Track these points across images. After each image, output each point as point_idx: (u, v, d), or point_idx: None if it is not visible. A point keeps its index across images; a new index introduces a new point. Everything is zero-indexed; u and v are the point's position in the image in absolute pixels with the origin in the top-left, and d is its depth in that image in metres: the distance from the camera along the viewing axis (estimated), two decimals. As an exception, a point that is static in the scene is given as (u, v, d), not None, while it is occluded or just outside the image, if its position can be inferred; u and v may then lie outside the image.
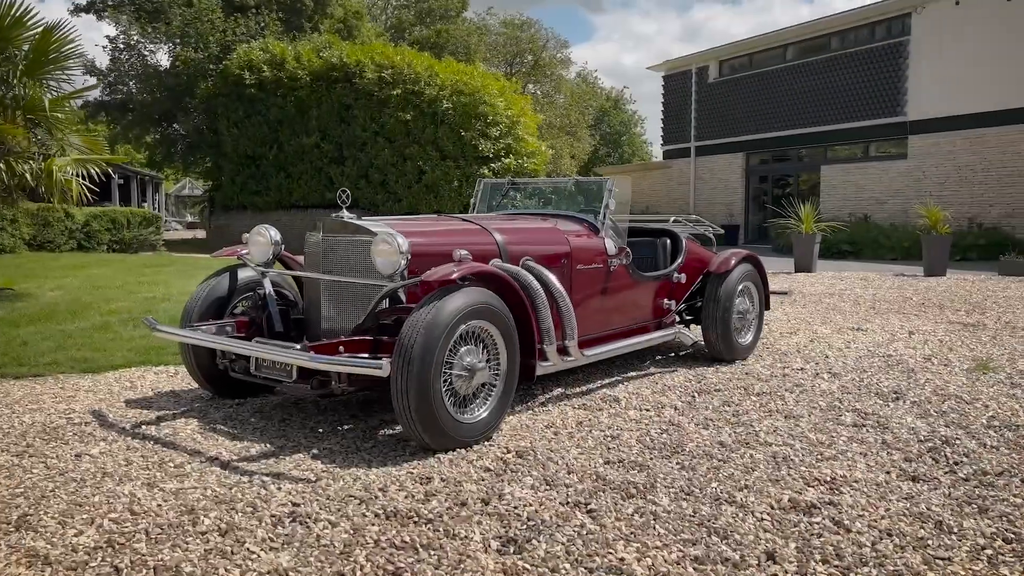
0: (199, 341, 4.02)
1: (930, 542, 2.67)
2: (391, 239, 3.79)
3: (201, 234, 32.89)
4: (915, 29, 19.45)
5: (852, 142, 21.50)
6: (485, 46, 43.15)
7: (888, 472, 3.37)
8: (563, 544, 2.63)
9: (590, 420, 4.18)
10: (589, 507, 2.95)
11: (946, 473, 3.35)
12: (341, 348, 3.68)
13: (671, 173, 27.67)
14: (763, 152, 24.55)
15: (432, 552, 2.56)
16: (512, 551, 2.58)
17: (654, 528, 2.76)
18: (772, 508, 2.95)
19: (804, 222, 13.98)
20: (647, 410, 4.40)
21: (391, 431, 3.99)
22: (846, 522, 2.81)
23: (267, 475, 3.31)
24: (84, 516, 2.86)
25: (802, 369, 5.50)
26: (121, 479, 3.26)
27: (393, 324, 3.87)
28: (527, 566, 2.48)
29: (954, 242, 16.97)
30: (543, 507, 2.95)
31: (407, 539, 2.64)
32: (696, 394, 4.79)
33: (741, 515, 2.88)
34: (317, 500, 3.01)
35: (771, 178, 24.70)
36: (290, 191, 22.00)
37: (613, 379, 5.18)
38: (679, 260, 5.70)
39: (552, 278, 4.29)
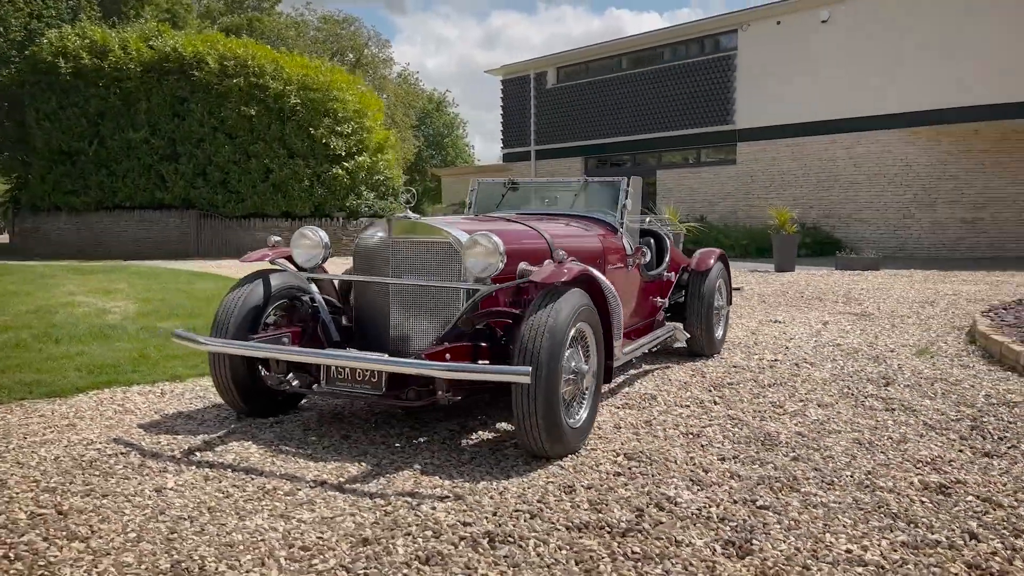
0: (274, 354, 3.66)
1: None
2: (487, 239, 3.63)
3: (3, 238, 29.39)
4: (741, 44, 21.11)
5: (686, 148, 22.98)
6: (305, 41, 41.88)
7: (961, 451, 3.66)
8: (782, 539, 2.65)
9: (650, 419, 4.21)
10: (759, 503, 2.98)
11: (1011, 447, 3.70)
12: (448, 355, 3.49)
13: (510, 176, 28.15)
14: (602, 156, 25.63)
15: (674, 561, 2.50)
16: (735, 553, 2.56)
17: (840, 518, 2.85)
18: (916, 490, 3.13)
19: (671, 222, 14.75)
20: (690, 406, 4.50)
21: (470, 440, 3.82)
22: (993, 498, 3.04)
23: (403, 495, 3.07)
24: (249, 557, 2.52)
25: (778, 360, 5.83)
26: (241, 513, 2.89)
27: (485, 328, 3.71)
28: (770, 565, 2.48)
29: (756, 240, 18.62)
30: (719, 507, 2.95)
31: (638, 550, 2.56)
32: (714, 388, 4.96)
33: (901, 500, 3.03)
34: (488, 518, 2.83)
35: (609, 181, 25.82)
36: (114, 190, 20.12)
37: (618, 379, 5.23)
38: (666, 259, 5.86)
39: (604, 278, 4.28)
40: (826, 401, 4.60)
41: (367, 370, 3.55)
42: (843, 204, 19.27)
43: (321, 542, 2.63)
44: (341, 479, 3.26)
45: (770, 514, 2.88)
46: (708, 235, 19.01)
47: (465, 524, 2.78)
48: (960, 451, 3.66)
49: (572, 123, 25.78)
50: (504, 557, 2.52)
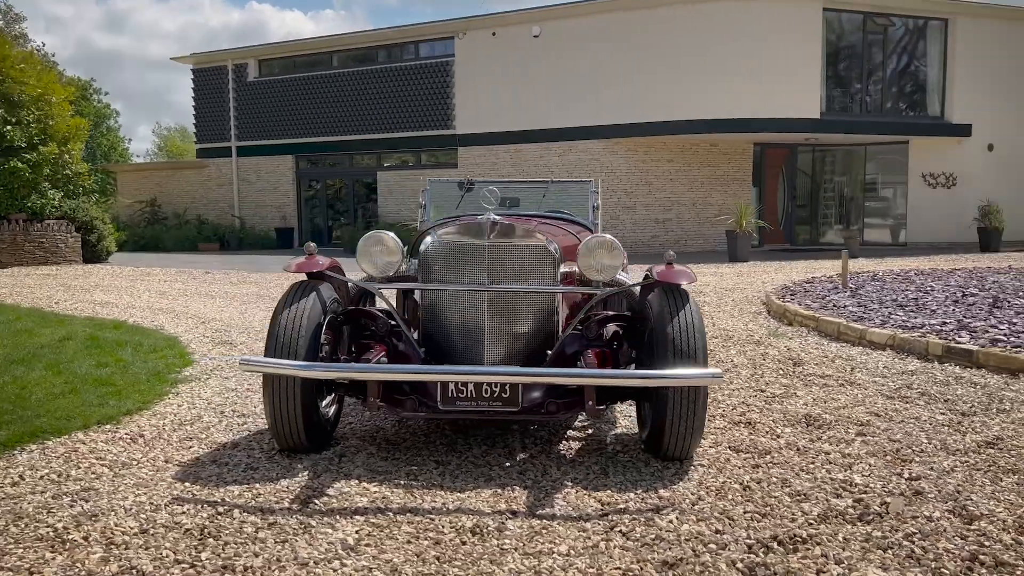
0: (391, 375, 3.28)
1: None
2: (610, 242, 3.63)
3: None
4: (459, 52, 21.95)
5: (407, 151, 23.29)
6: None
7: None
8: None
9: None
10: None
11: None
12: (589, 363, 3.46)
13: (209, 173, 26.19)
14: (315, 155, 24.92)
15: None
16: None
17: None
18: None
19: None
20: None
21: (565, 452, 3.79)
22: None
23: (609, 513, 3.02)
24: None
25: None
26: (492, 558, 2.64)
27: (600, 332, 3.71)
28: None
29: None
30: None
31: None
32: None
33: None
34: (709, 522, 2.92)
35: (326, 182, 25.21)
36: None
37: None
38: None
39: None
40: (849, 398, 5.23)
41: (498, 385, 3.36)
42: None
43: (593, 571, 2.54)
44: (516, 506, 3.09)
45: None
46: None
47: (700, 533, 2.84)
48: None
49: (280, 120, 24.70)
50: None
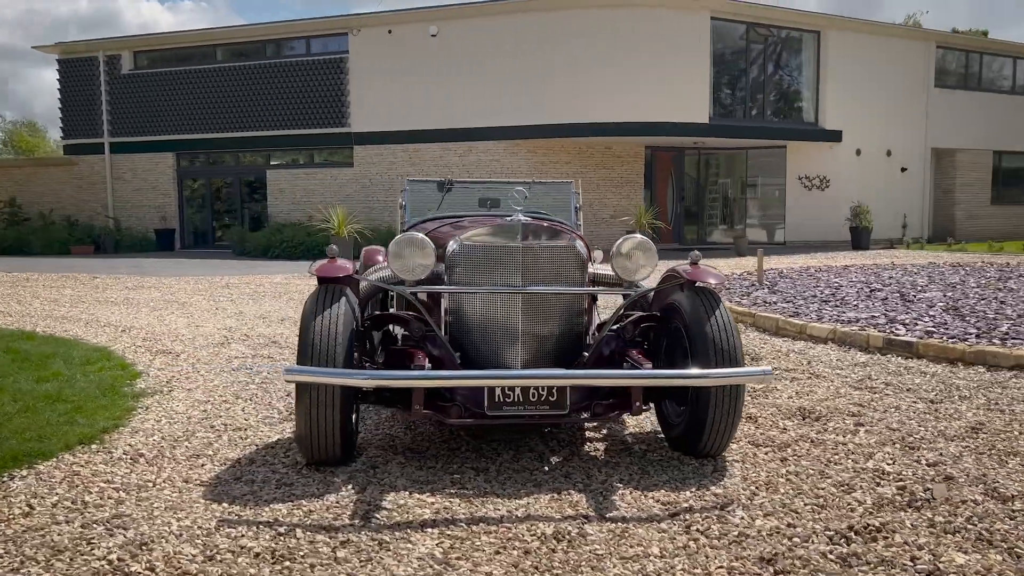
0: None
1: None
2: (648, 243, 3.66)
3: None
4: (353, 48, 21.48)
5: (300, 148, 22.57)
6: None
7: None
8: None
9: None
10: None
11: None
12: (635, 363, 3.47)
13: (79, 171, 24.45)
14: (198, 153, 23.75)
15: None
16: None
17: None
18: None
19: (339, 226, 14.60)
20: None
21: (599, 455, 3.79)
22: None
23: (683, 512, 3.04)
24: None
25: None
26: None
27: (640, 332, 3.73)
28: None
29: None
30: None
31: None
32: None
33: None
34: (779, 514, 3.01)
35: (210, 180, 24.07)
36: None
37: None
38: None
39: None
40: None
41: (545, 388, 3.33)
42: (459, 206, 20.96)
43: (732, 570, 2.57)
44: (582, 510, 3.07)
45: None
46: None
47: (777, 527, 2.92)
48: None
49: (159, 115, 23.38)
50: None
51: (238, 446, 3.88)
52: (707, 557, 2.65)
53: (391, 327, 3.97)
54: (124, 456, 3.68)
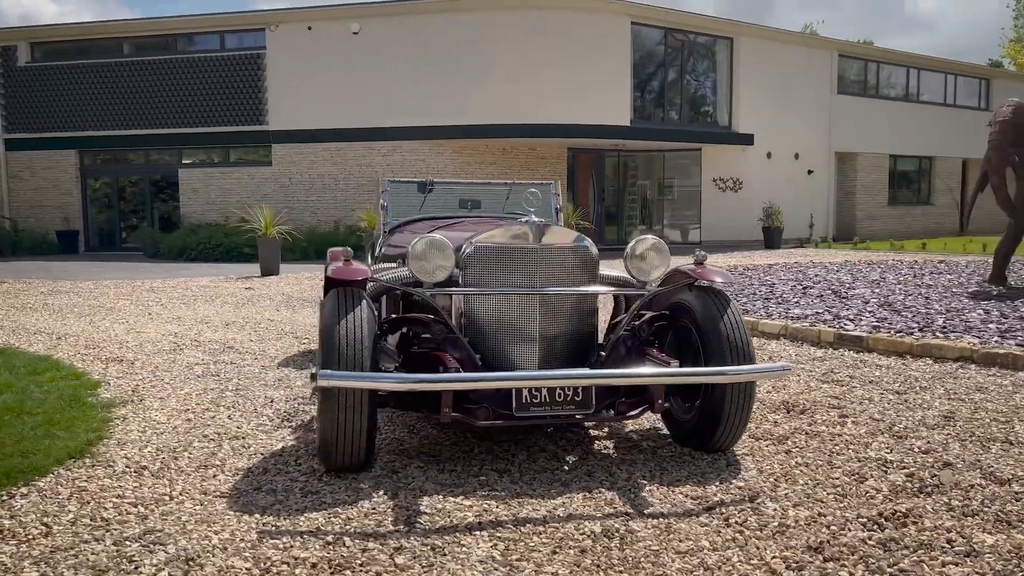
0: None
1: None
2: (662, 243, 3.74)
3: None
4: (270, 45, 20.93)
5: (214, 147, 21.83)
6: None
7: None
8: None
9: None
10: None
11: (893, 388, 5.22)
12: (656, 362, 3.55)
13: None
14: (105, 151, 22.66)
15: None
16: None
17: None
18: None
19: (266, 226, 14.22)
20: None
21: (612, 453, 3.85)
22: None
23: (708, 510, 3.13)
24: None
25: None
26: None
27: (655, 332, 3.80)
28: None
29: (337, 241, 19.32)
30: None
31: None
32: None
33: None
34: (812, 504, 3.14)
35: (116, 179, 22.99)
36: None
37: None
38: None
39: None
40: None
41: (571, 388, 3.36)
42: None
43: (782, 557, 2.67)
44: (619, 507, 3.11)
45: None
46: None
47: (810, 517, 3.04)
48: None
49: (61, 110, 22.21)
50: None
51: (243, 455, 3.75)
52: (758, 548, 2.73)
53: (406, 330, 3.92)
54: (127, 470, 3.50)
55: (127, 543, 2.72)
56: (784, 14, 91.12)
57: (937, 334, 6.58)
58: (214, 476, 3.45)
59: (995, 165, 9.46)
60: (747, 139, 22.65)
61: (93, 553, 2.64)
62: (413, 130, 20.11)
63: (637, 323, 3.81)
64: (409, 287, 3.67)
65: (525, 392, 3.34)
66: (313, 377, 3.16)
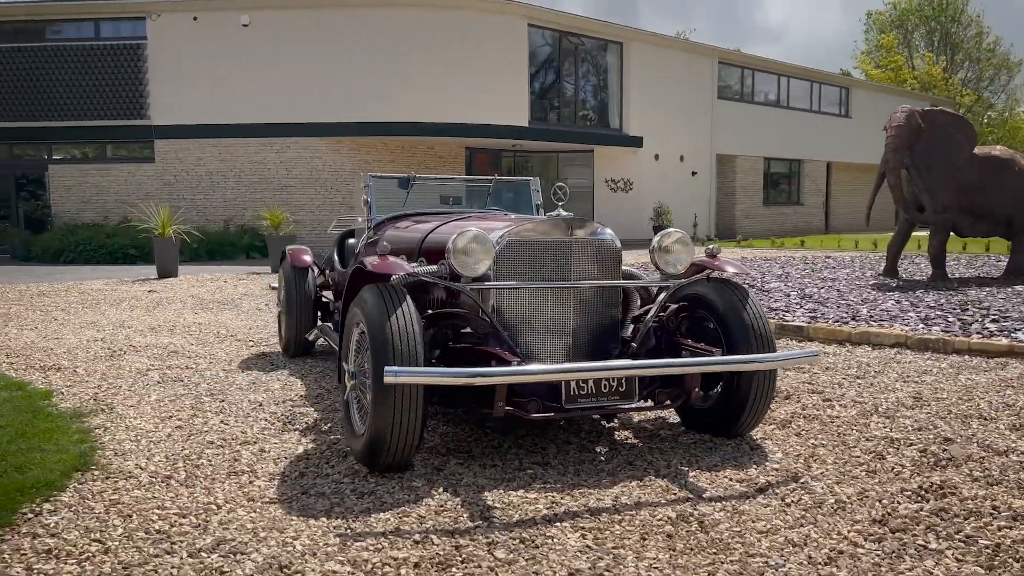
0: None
1: None
2: (687, 236, 3.83)
3: None
4: (151, 35, 19.84)
5: (89, 141, 20.45)
6: None
7: None
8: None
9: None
10: None
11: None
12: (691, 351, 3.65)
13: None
14: (-39, 144, 20.79)
15: None
16: None
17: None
18: None
19: (163, 226, 13.48)
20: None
21: (636, 443, 3.92)
22: None
23: (761, 492, 3.25)
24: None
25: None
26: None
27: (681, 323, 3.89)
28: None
29: (231, 241, 18.65)
30: None
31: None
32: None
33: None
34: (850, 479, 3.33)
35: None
36: None
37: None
38: None
39: None
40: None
41: (615, 380, 3.41)
42: (278, 207, 20.00)
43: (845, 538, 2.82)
44: (677, 493, 3.19)
45: None
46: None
47: (859, 493, 3.23)
48: None
49: (-91, 99, 20.22)
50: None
51: (266, 460, 3.58)
52: (829, 524, 2.87)
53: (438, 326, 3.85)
54: (153, 480, 3.27)
55: (202, 554, 2.55)
56: (648, 22, 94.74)
57: (871, 323, 7.05)
58: (250, 483, 3.27)
59: (892, 167, 10.21)
60: (637, 141, 23.40)
61: (173, 567, 2.46)
62: (308, 127, 19.58)
63: (664, 315, 3.89)
64: (447, 282, 3.61)
65: (573, 384, 3.36)
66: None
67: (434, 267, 3.67)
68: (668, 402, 3.59)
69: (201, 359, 6.10)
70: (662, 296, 3.90)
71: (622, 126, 23.57)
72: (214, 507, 2.99)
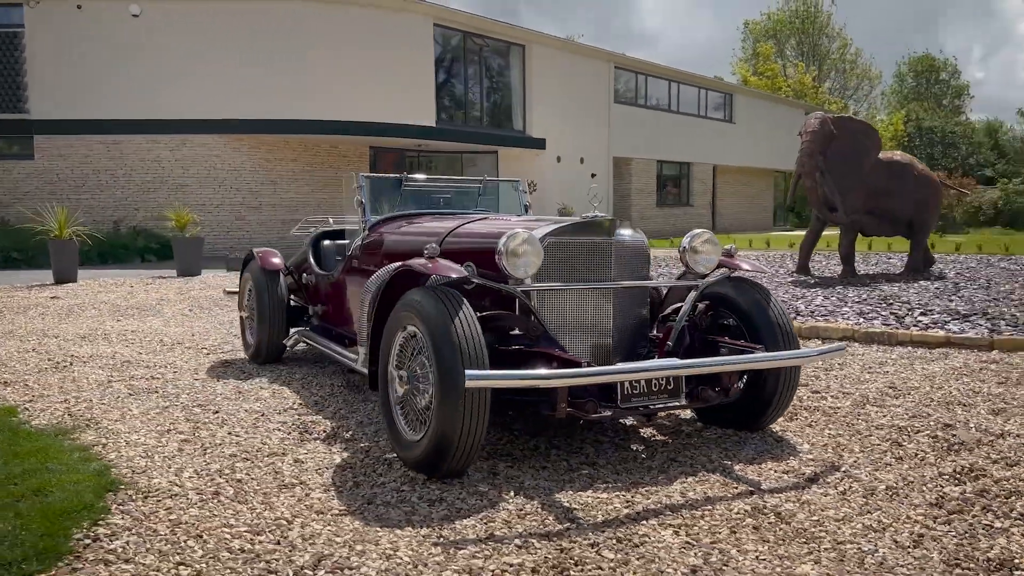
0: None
1: None
2: (714, 236, 3.92)
3: None
4: (30, 23, 18.48)
5: (-41, 136, 18.82)
6: None
7: None
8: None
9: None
10: None
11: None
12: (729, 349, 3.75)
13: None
14: None
15: None
16: None
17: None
18: None
19: (60, 227, 12.58)
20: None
21: (665, 439, 3.99)
22: None
23: (813, 482, 3.39)
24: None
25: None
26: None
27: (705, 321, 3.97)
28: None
29: (124, 244, 17.65)
30: None
31: None
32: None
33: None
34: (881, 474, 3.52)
35: None
36: None
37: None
38: None
39: None
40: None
41: (664, 379, 3.47)
42: (173, 206, 19.04)
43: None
44: (737, 488, 3.27)
45: None
46: (33, 241, 16.43)
47: (902, 478, 3.41)
48: None
49: None
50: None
51: (308, 471, 3.42)
52: (892, 508, 3.02)
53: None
54: (202, 497, 3.06)
55: (306, 571, 2.42)
56: (530, 26, 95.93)
57: (818, 319, 7.43)
58: (307, 495, 3.12)
59: (808, 170, 10.79)
60: (540, 143, 23.68)
61: (290, 583, 2.32)
62: (205, 123, 18.73)
63: (694, 313, 3.98)
64: (506, 285, 3.56)
65: (627, 384, 3.39)
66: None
67: (461, 268, 3.61)
68: (710, 400, 3.67)
69: (162, 368, 5.75)
70: (692, 295, 3.98)
71: (525, 128, 23.80)
72: (284, 522, 2.84)
